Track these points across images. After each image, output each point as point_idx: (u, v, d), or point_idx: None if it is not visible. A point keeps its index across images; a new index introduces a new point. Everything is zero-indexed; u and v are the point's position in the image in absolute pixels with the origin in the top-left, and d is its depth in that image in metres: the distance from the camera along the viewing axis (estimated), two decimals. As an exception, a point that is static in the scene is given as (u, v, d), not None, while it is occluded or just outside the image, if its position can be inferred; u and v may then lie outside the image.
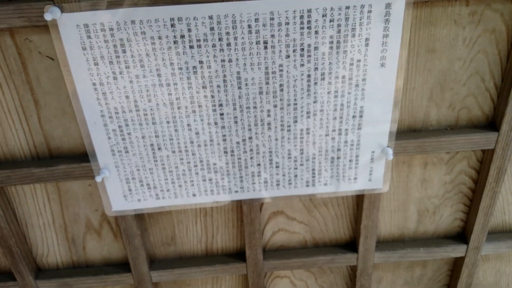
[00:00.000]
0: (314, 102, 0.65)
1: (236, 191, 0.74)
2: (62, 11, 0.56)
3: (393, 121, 0.68)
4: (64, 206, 0.78)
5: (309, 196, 0.77)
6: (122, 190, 0.72)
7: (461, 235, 0.87)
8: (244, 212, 0.78)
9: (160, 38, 0.59)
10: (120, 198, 0.73)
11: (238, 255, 0.85)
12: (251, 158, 0.71)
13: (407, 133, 0.73)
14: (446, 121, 0.73)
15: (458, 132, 0.73)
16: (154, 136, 0.67)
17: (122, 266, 0.84)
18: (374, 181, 0.75)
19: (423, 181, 0.80)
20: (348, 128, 0.69)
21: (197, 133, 0.67)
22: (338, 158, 0.72)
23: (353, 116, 0.67)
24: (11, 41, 0.61)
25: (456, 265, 0.92)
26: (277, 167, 0.72)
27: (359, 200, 0.80)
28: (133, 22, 0.57)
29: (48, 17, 0.54)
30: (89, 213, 0.79)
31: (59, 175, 0.71)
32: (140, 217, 0.79)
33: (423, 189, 0.81)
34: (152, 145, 0.68)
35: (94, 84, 0.62)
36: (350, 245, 0.87)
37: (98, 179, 0.69)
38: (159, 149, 0.68)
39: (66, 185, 0.76)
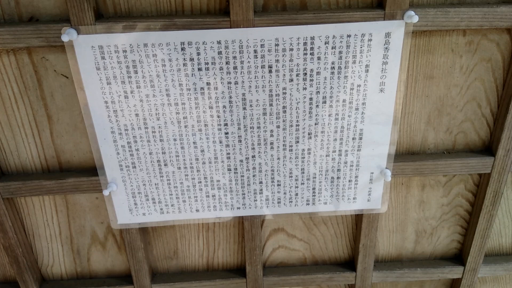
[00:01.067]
0: (316, 124, 0.68)
1: (238, 208, 0.76)
2: (78, 33, 0.59)
3: (392, 143, 0.71)
4: (71, 218, 0.81)
5: (309, 214, 0.79)
6: (128, 204, 0.75)
7: (458, 257, 0.89)
8: (246, 228, 0.80)
9: (170, 61, 0.62)
10: (126, 212, 0.76)
11: (239, 271, 0.87)
12: (254, 176, 0.73)
13: (406, 156, 0.76)
14: (444, 145, 0.76)
15: (455, 156, 0.75)
16: (161, 153, 0.70)
17: (124, 278, 0.86)
18: (372, 201, 0.77)
19: (421, 202, 0.82)
20: (348, 149, 0.71)
21: (202, 151, 0.70)
22: (338, 178, 0.74)
23: (353, 138, 0.70)
24: (28, 59, 0.64)
25: (453, 287, 0.93)
26: (278, 185, 0.74)
27: (358, 219, 0.82)
28: (145, 45, 0.61)
29: (65, 38, 0.58)
30: (95, 226, 0.81)
31: (68, 188, 0.74)
32: (144, 231, 0.81)
33: (421, 211, 0.83)
34: (158, 161, 0.70)
35: (106, 102, 0.65)
36: (349, 263, 0.88)
37: (106, 192, 0.71)
38: (165, 165, 0.71)
39: (74, 198, 0.78)
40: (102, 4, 0.61)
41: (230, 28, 0.60)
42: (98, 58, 0.61)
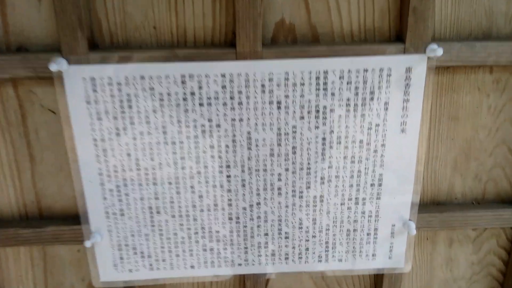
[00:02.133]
0: (329, 167, 0.61)
1: (240, 264, 0.67)
2: (69, 63, 0.54)
3: (415, 192, 0.63)
4: (49, 273, 0.70)
5: (321, 273, 0.69)
6: (113, 258, 0.65)
7: (494, 326, 0.77)
8: (248, 288, 0.69)
9: (169, 95, 0.56)
10: (110, 267, 0.66)
11: None
12: (258, 226, 0.64)
13: (431, 206, 0.67)
14: (472, 194, 0.68)
15: (485, 207, 0.67)
16: (154, 198, 0.61)
17: None
18: (394, 258, 0.67)
19: (449, 260, 0.72)
20: (365, 197, 0.63)
21: (200, 196, 0.62)
22: (354, 230, 0.65)
23: (371, 185, 0.62)
24: (13, 92, 0.58)
25: None
26: (286, 238, 0.65)
27: (377, 280, 0.71)
28: (142, 77, 0.55)
29: (53, 68, 0.52)
30: (74, 283, 0.71)
31: (47, 238, 0.65)
32: (131, 290, 0.70)
33: (448, 270, 0.73)
34: (150, 208, 0.62)
35: (95, 140, 0.58)
36: (367, 333, 0.76)
37: (88, 244, 0.62)
38: (157, 212, 0.62)
39: (54, 250, 0.69)
40: (98, 34, 0.56)
41: (236, 60, 0.55)
42: (89, 90, 0.55)
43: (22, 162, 0.62)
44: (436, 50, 0.54)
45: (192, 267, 0.66)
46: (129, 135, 0.58)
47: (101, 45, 0.56)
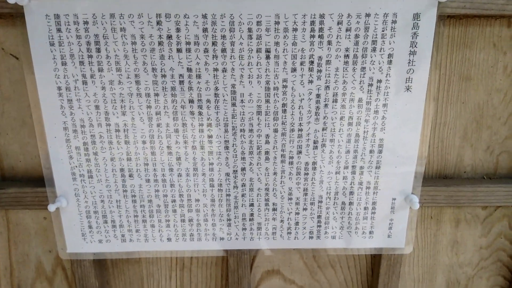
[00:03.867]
0: (323, 129, 0.54)
1: (222, 238, 0.60)
2: (29, -3, 0.47)
3: (420, 162, 0.56)
4: (13, 243, 0.64)
5: (313, 252, 0.62)
6: (81, 226, 0.58)
7: (503, 319, 0.69)
8: (230, 267, 0.62)
9: (142, 37, 0.49)
10: (78, 237, 0.59)
11: (220, 324, 0.68)
12: (243, 195, 0.57)
13: (436, 180, 0.60)
14: (483, 167, 0.60)
15: (497, 182, 0.60)
16: (126, 159, 0.55)
17: (73, 327, 0.67)
18: (394, 237, 0.60)
19: (454, 243, 0.65)
20: (363, 165, 0.56)
21: (178, 158, 0.55)
22: (350, 203, 0.58)
23: (371, 151, 0.55)
24: (-31, 31, 0.52)
25: None
26: (274, 209, 0.58)
27: (375, 262, 0.65)
28: (112, 15, 0.48)
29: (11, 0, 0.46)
30: (41, 255, 0.64)
31: (8, 201, 0.58)
32: (101, 265, 0.64)
33: (453, 254, 0.66)
34: (122, 170, 0.55)
35: (59, 88, 0.51)
36: (362, 321, 0.69)
37: (52, 208, 0.55)
38: (130, 176, 0.56)
39: (17, 216, 0.62)
40: (63, -35, 0.49)
41: (219, -2, 0.48)
42: (53, 30, 0.49)
43: (-19, 115, 0.56)
44: (449, -7, 0.47)
45: (169, 239, 0.60)
46: (97, 83, 0.51)
47: (68, -21, 0.50)
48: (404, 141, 0.55)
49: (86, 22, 0.49)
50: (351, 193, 0.57)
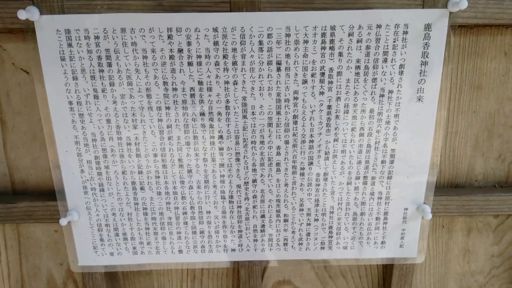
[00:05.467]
0: (335, 140, 0.54)
1: (233, 250, 0.60)
2: (41, 13, 0.47)
3: (432, 171, 0.55)
4: (24, 256, 0.64)
5: (324, 262, 0.62)
6: (93, 239, 0.58)
7: (516, 327, 0.69)
8: (242, 278, 0.62)
9: (153, 51, 0.49)
10: (89, 250, 0.59)
11: (231, 335, 0.68)
12: (254, 207, 0.57)
13: (447, 189, 0.60)
14: (495, 176, 0.60)
15: (509, 191, 0.59)
16: (137, 172, 0.55)
17: None
18: (406, 247, 0.60)
19: (466, 252, 0.65)
20: (375, 176, 0.56)
21: (189, 171, 0.55)
22: (361, 214, 0.58)
23: (382, 161, 0.55)
24: (-19, 47, 0.52)
25: None
26: (285, 221, 0.58)
27: (386, 272, 0.64)
28: (123, 30, 0.48)
29: (22, 16, 0.46)
30: (52, 267, 0.64)
31: (19, 215, 0.58)
32: (113, 277, 0.64)
33: (465, 263, 0.65)
34: (133, 183, 0.55)
35: (70, 102, 0.51)
36: (374, 331, 0.69)
37: (63, 222, 0.55)
38: (141, 188, 0.56)
39: (29, 230, 0.62)
40: (74, -20, 0.50)
41: (230, 11, 0.48)
42: (63, 45, 0.49)
43: (-8, 130, 0.56)
44: (460, 3, 0.47)
45: (180, 251, 0.60)
46: (109, 98, 0.51)
47: (78, -6, 0.50)
48: (416, 151, 0.54)
49: (97, 37, 0.49)
50: (363, 203, 0.57)
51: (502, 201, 0.59)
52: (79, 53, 0.49)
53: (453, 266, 0.65)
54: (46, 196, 0.58)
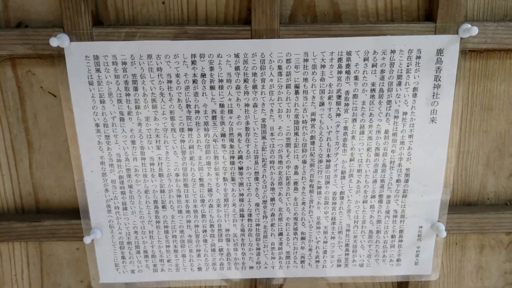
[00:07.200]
0: (351, 160, 0.55)
1: (251, 267, 0.61)
2: (71, 40, 0.50)
3: (445, 189, 0.57)
4: (45, 274, 0.65)
5: (339, 280, 0.63)
6: (114, 257, 0.60)
7: None
8: (259, 295, 0.63)
9: (177, 76, 0.52)
10: (111, 267, 0.60)
11: None
12: (272, 225, 0.59)
13: (460, 207, 0.61)
14: (506, 194, 0.62)
15: (521, 209, 0.61)
16: (159, 191, 0.57)
17: None
18: (421, 265, 0.61)
19: (479, 268, 0.66)
20: (390, 194, 0.57)
21: (209, 190, 0.56)
22: (377, 232, 0.59)
23: (397, 181, 0.56)
24: (12, 72, 0.55)
25: None
26: (302, 238, 0.59)
27: (401, 288, 0.65)
28: (149, 56, 0.51)
29: (54, 43, 0.48)
30: (73, 285, 0.66)
31: (43, 233, 0.60)
32: (132, 294, 0.65)
33: (478, 279, 0.66)
34: (156, 201, 0.57)
35: (97, 125, 0.54)
36: None
37: (87, 240, 0.57)
38: (163, 207, 0.57)
39: (51, 247, 0.64)
40: (103, 9, 0.52)
41: (251, 38, 0.51)
42: (92, 70, 0.51)
43: (19, 150, 0.58)
44: (471, 30, 0.49)
45: (200, 269, 0.61)
46: (134, 120, 0.53)
47: (106, 21, 0.53)
48: (430, 170, 0.56)
49: (124, 63, 0.51)
50: (379, 221, 0.59)
51: (515, 219, 0.60)
52: (106, 78, 0.52)
53: (467, 282, 0.66)
54: (69, 215, 0.60)
